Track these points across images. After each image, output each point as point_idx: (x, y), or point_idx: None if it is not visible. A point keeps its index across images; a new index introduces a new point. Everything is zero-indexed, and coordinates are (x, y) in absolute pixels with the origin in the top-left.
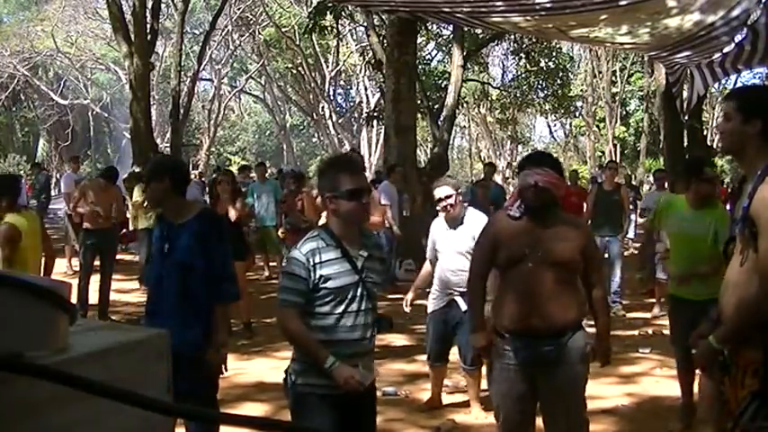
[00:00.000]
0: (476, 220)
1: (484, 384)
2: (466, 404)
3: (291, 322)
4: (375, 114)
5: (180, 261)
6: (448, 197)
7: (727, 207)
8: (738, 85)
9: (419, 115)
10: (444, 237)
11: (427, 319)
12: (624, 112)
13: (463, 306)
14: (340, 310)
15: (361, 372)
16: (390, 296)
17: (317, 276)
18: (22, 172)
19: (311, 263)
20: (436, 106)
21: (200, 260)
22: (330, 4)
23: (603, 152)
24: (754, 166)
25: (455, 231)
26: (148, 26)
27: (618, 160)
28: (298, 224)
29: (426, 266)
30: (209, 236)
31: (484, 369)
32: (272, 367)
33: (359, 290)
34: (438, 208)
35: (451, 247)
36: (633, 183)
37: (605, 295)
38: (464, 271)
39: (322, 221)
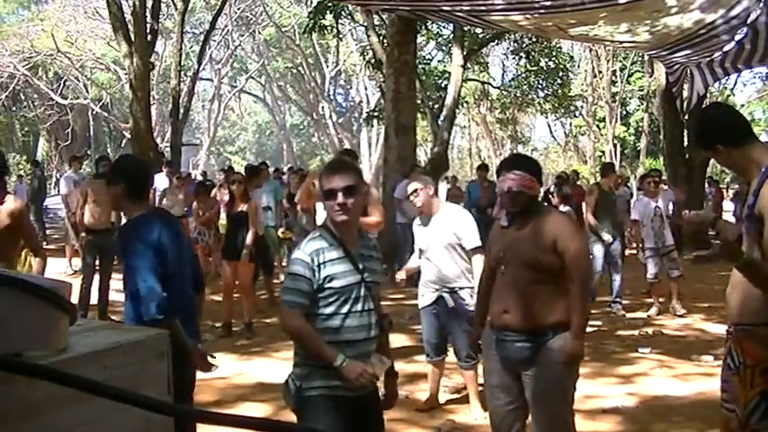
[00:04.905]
0: (451, 215)
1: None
2: (466, 404)
3: (295, 321)
4: (375, 114)
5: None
6: (414, 191)
7: (732, 206)
8: (738, 84)
9: (419, 115)
10: (420, 233)
11: (419, 316)
12: (624, 112)
13: (450, 303)
14: (345, 310)
15: (373, 363)
16: (391, 296)
17: (322, 276)
18: (22, 172)
19: (315, 262)
20: (436, 106)
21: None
22: (330, 4)
23: (603, 152)
24: (749, 173)
25: (428, 228)
26: (148, 26)
27: (618, 160)
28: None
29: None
30: (123, 249)
31: (480, 367)
32: (272, 367)
33: (362, 290)
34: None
35: (430, 243)
36: (628, 184)
37: (581, 292)
38: (445, 266)
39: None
